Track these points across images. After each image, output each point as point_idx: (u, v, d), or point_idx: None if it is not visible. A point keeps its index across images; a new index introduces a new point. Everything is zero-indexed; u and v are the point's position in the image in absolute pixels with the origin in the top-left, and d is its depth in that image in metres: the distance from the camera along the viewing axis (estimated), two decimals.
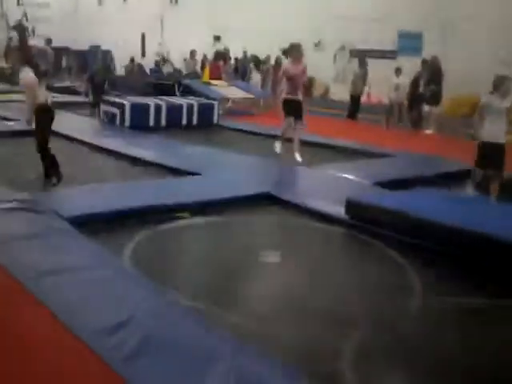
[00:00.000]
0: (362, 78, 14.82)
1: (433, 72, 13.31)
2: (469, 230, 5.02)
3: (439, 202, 6.10)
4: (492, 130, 6.89)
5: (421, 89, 13.43)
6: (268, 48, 23.10)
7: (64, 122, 10.84)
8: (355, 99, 14.75)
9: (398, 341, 3.76)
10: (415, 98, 13.58)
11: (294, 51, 9.11)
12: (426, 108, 13.52)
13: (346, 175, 7.74)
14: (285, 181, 7.88)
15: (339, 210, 5.99)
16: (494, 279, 4.68)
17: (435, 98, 13.15)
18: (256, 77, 19.28)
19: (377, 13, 21.16)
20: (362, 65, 15.14)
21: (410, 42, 20.80)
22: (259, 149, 9.78)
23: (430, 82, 13.19)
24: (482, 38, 18.67)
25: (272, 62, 19.16)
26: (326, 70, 17.91)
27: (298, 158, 8.70)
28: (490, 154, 6.90)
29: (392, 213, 5.61)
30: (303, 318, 3.99)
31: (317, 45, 16.56)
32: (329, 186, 7.27)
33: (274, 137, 9.40)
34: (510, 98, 6.98)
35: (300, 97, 8.92)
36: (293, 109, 8.79)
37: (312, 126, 10.06)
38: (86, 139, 10.17)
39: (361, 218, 5.83)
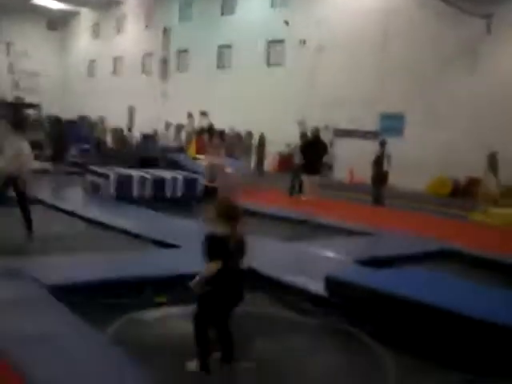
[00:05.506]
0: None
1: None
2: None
3: (423, 281, 5.97)
4: None
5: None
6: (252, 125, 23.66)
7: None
8: None
9: None
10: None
11: None
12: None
13: (325, 252, 7.79)
14: (266, 256, 7.75)
15: (319, 287, 5.95)
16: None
17: None
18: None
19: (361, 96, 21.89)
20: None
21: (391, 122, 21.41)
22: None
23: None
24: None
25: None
26: None
27: None
28: None
29: (371, 291, 5.51)
30: None
31: (300, 123, 17.51)
32: (308, 263, 7.28)
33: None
34: None
35: None
36: None
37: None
38: (69, 208, 10.27)
39: (340, 296, 5.79)
